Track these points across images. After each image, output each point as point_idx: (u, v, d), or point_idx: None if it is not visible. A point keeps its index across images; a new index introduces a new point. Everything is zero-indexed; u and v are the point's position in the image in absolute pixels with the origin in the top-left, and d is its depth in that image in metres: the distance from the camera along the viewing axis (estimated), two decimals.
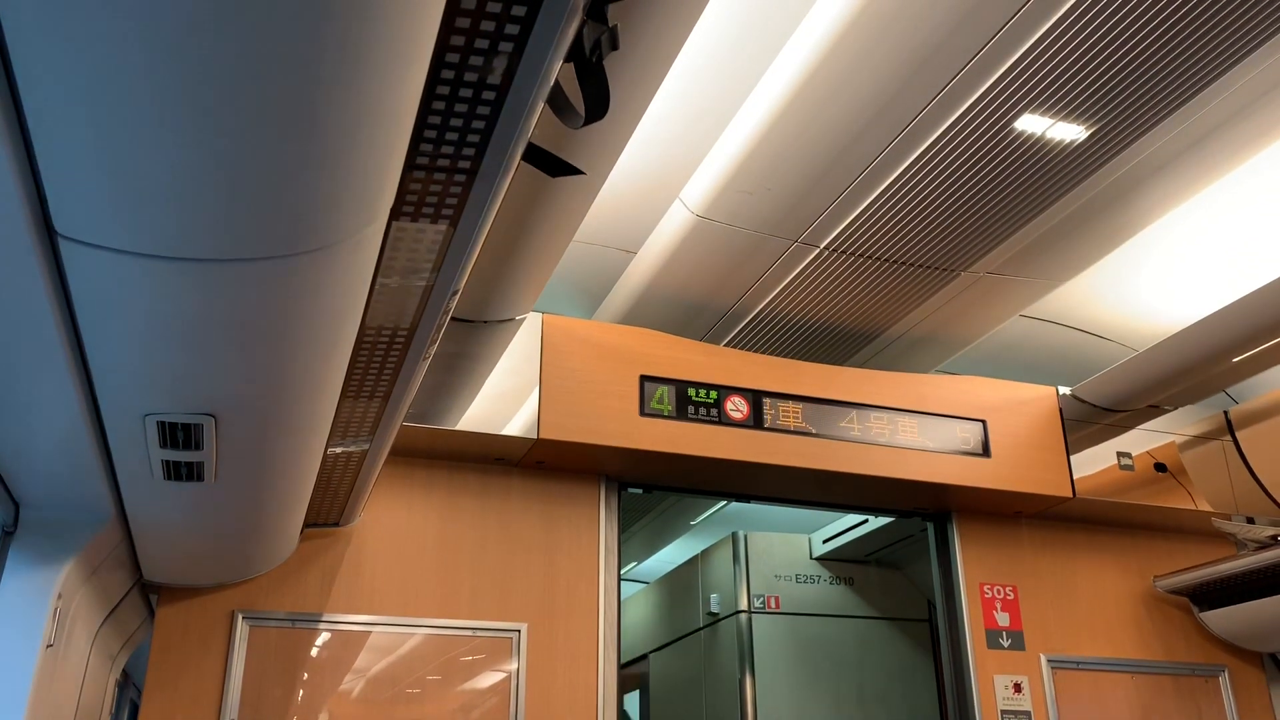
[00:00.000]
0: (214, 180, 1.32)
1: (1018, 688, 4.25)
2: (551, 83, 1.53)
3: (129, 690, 4.30)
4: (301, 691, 3.50)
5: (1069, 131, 3.05)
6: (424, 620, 3.67)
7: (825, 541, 5.42)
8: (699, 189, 3.54)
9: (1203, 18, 2.62)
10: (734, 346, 4.34)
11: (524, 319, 3.76)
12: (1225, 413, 4.69)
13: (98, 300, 1.60)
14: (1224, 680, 4.59)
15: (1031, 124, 3.01)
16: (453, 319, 3.49)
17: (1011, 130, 3.03)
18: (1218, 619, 4.54)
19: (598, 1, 1.40)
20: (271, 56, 1.13)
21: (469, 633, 3.70)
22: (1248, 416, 4.60)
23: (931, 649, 5.33)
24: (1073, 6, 2.56)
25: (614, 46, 1.48)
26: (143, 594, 3.41)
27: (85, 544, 2.53)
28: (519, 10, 1.38)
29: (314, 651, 3.57)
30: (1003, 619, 4.36)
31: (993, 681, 4.23)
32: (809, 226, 3.56)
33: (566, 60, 1.50)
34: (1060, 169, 3.23)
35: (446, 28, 1.40)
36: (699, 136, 3.51)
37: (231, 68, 1.14)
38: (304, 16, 1.08)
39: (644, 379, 3.88)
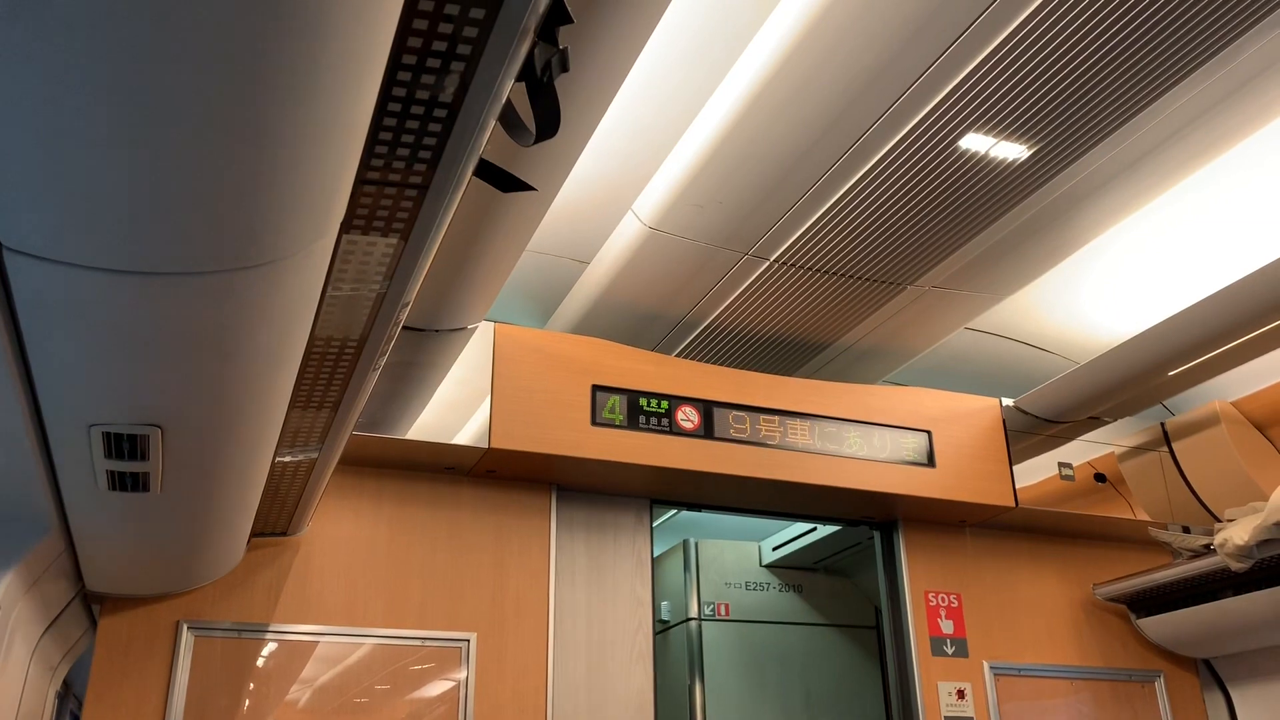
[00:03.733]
0: (163, 194, 1.32)
1: (961, 694, 4.32)
2: (503, 102, 1.55)
3: (69, 702, 4.22)
4: (248, 702, 3.47)
5: (1011, 150, 3.13)
6: (372, 630, 3.66)
7: (775, 549, 5.47)
8: (651, 201, 3.58)
9: (1139, 44, 2.70)
10: (685, 357, 4.37)
11: (475, 328, 3.76)
12: (1162, 424, 4.81)
13: (43, 311, 1.59)
14: (1160, 685, 4.71)
15: (975, 143, 3.08)
16: (404, 328, 3.49)
17: (955, 149, 3.10)
18: (1154, 626, 4.65)
19: (549, 24, 1.43)
20: (222, 73, 1.14)
21: (418, 642, 3.70)
22: (1183, 428, 4.72)
23: (878, 656, 5.40)
24: (1014, 30, 2.63)
25: (564, 68, 1.51)
26: (85, 604, 3.35)
27: (26, 554, 2.49)
28: (470, 31, 1.40)
29: (260, 662, 3.54)
30: (947, 626, 4.44)
31: (937, 688, 4.30)
32: (759, 240, 3.61)
33: (518, 80, 1.52)
34: (1003, 187, 3.30)
35: (399, 45, 1.41)
36: (651, 149, 3.54)
37: (181, 83, 1.14)
38: (255, 34, 1.09)
39: (595, 389, 3.91)
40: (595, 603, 4.02)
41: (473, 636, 3.74)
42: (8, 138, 1.22)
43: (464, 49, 1.43)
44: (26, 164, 1.26)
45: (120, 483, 2.26)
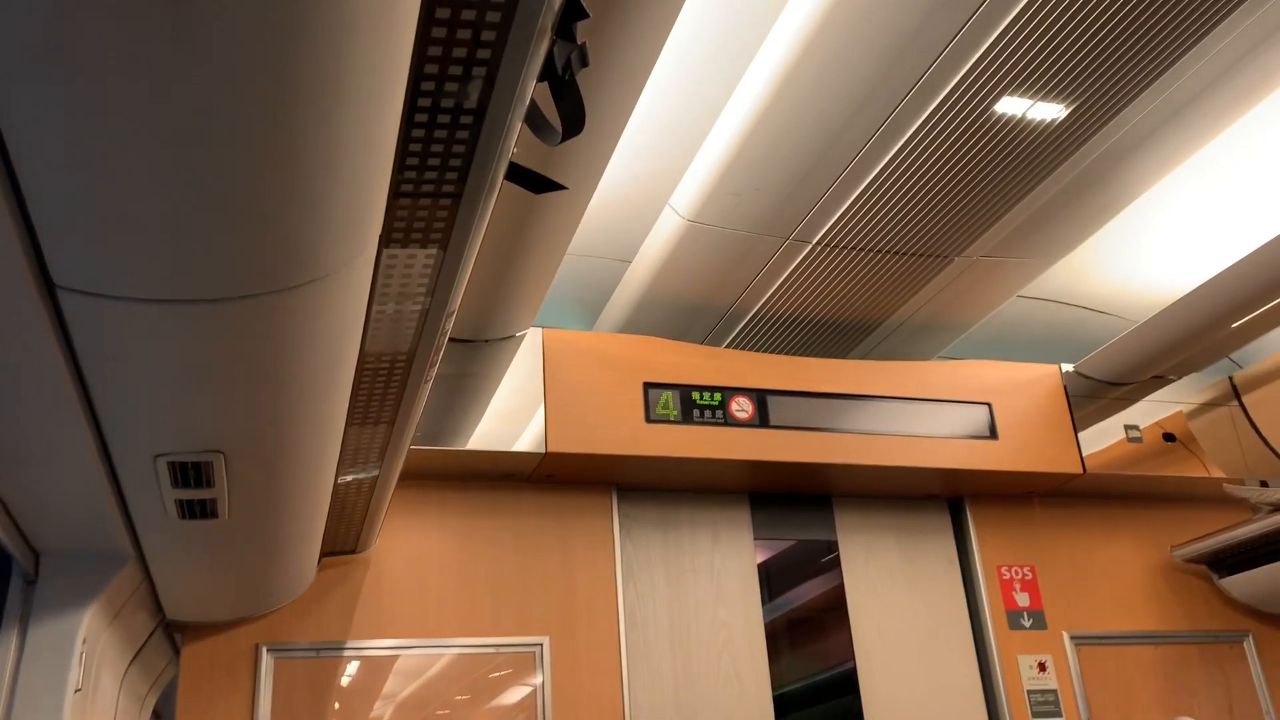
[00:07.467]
0: (204, 222, 1.35)
1: (1042, 667, 4.25)
2: (527, 102, 1.56)
3: None
4: None
5: (1049, 111, 3.08)
6: (447, 641, 3.70)
7: None
8: (688, 194, 3.57)
9: None
10: (735, 347, 4.36)
11: (524, 335, 3.79)
12: (1230, 378, 4.69)
13: (99, 347, 1.63)
14: (1249, 645, 4.59)
15: (1011, 106, 3.04)
16: (453, 340, 3.53)
17: (992, 114, 3.06)
18: (1238, 584, 4.54)
19: (565, 20, 1.44)
20: (250, 99, 1.16)
21: (492, 650, 3.73)
22: (1252, 380, 4.60)
23: None
24: None
25: (585, 63, 1.52)
26: (167, 633, 3.44)
27: (106, 587, 2.56)
28: (488, 34, 1.41)
29: (341, 680, 3.59)
30: (1022, 599, 4.37)
31: (1017, 662, 4.24)
32: (799, 223, 3.59)
33: (540, 80, 1.53)
34: (1044, 148, 3.25)
35: (420, 54, 1.43)
36: (684, 142, 3.54)
37: (213, 113, 1.17)
38: (276, 53, 1.11)
39: (647, 386, 3.91)
40: (665, 599, 4.02)
41: (546, 640, 3.77)
42: (46, 180, 1.26)
43: (483, 52, 1.44)
44: (67, 203, 1.30)
45: (189, 510, 2.31)
